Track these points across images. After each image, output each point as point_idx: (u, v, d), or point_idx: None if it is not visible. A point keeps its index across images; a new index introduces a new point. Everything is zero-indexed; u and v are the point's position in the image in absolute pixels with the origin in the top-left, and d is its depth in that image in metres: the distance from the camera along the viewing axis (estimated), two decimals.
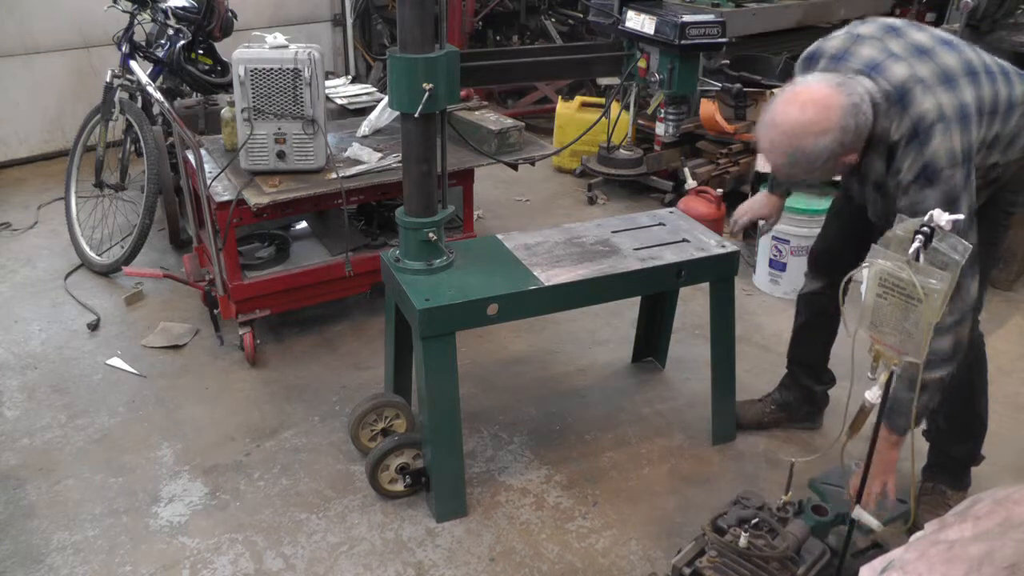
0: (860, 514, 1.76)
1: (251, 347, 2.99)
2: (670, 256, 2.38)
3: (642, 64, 2.25)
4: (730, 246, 2.45)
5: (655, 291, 2.50)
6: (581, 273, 2.26)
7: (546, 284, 2.20)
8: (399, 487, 2.36)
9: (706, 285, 2.51)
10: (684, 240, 2.48)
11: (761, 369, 3.03)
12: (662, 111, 2.47)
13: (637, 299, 2.93)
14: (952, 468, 2.38)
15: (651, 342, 3.03)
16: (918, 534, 1.06)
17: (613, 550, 2.23)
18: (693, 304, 3.47)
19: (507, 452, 2.59)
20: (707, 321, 3.32)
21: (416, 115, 2.02)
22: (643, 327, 3.02)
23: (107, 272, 3.68)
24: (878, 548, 1.89)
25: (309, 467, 2.53)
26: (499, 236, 2.48)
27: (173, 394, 2.88)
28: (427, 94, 1.98)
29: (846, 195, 2.31)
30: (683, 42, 2.12)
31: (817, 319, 2.54)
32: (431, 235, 2.19)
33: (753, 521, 1.75)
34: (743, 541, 1.69)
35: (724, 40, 2.21)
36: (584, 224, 2.62)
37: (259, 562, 2.19)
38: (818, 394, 2.67)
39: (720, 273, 2.46)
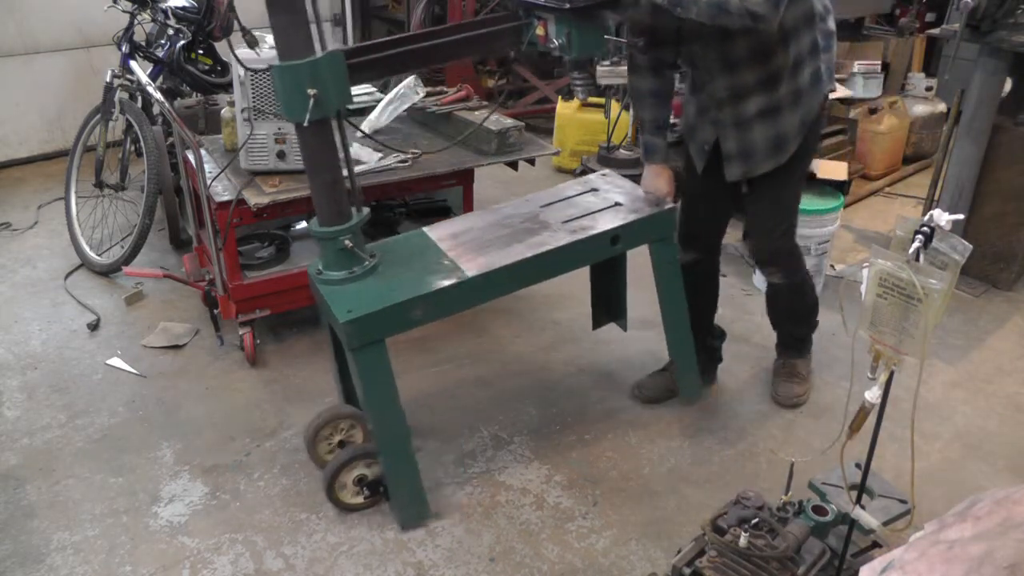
0: (860, 514, 1.76)
1: (251, 347, 2.99)
2: (603, 224, 2.30)
3: (540, 32, 2.14)
4: (664, 204, 2.39)
5: (593, 262, 2.43)
6: (508, 257, 2.17)
7: (471, 275, 2.12)
8: (359, 499, 2.31)
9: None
10: (617, 204, 2.41)
11: (761, 368, 3.03)
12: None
13: (637, 297, 2.93)
14: (796, 344, 2.87)
15: (610, 308, 2.96)
16: (918, 534, 1.06)
17: (613, 550, 2.23)
18: None
19: (507, 452, 2.59)
20: None
21: (304, 123, 1.91)
22: (598, 294, 2.95)
23: (107, 272, 3.68)
24: (878, 548, 1.89)
25: (309, 467, 2.52)
26: (425, 229, 2.39)
27: (173, 394, 2.88)
28: (312, 100, 1.89)
29: (702, 183, 2.55)
30: (572, 3, 2.00)
31: (702, 282, 2.74)
32: (347, 242, 2.09)
33: (753, 521, 1.75)
34: (743, 541, 1.69)
35: None
36: (513, 202, 2.53)
37: (259, 562, 2.19)
38: (716, 349, 2.91)
39: (658, 233, 2.39)
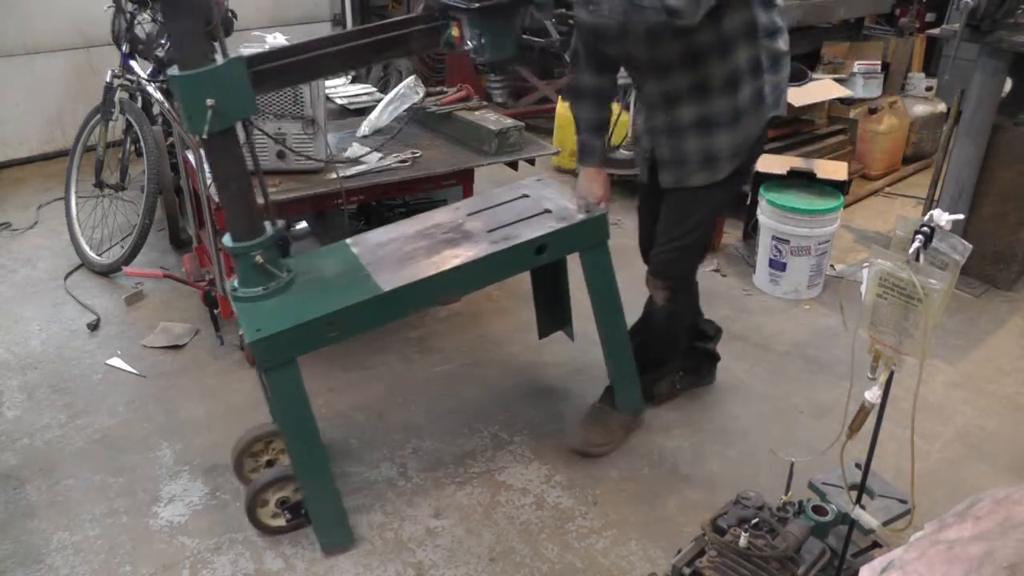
0: (860, 514, 1.76)
1: None
2: (529, 232, 2.20)
3: (455, 33, 2.06)
4: (596, 210, 2.29)
5: (517, 272, 2.32)
6: (424, 271, 2.09)
7: (385, 290, 2.03)
8: (280, 522, 2.25)
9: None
10: (546, 211, 2.30)
11: (761, 368, 3.03)
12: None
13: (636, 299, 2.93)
14: (622, 395, 2.60)
15: (555, 315, 2.85)
16: (918, 534, 1.06)
17: (613, 550, 2.23)
18: None
19: (507, 452, 2.59)
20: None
21: (204, 135, 1.84)
22: (541, 302, 2.85)
23: (107, 272, 3.68)
24: (878, 548, 1.89)
25: None
26: (348, 241, 2.32)
27: (173, 394, 2.88)
28: (210, 111, 1.80)
29: (647, 188, 2.47)
30: (477, 4, 1.93)
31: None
32: (258, 258, 2.00)
33: (753, 521, 1.75)
34: (743, 541, 1.69)
35: None
36: (441, 210, 2.46)
37: (259, 562, 2.19)
38: (712, 350, 2.84)
39: (588, 241, 2.28)
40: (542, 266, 2.38)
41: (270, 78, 1.97)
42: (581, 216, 2.26)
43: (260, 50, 1.99)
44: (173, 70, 1.83)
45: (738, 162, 2.25)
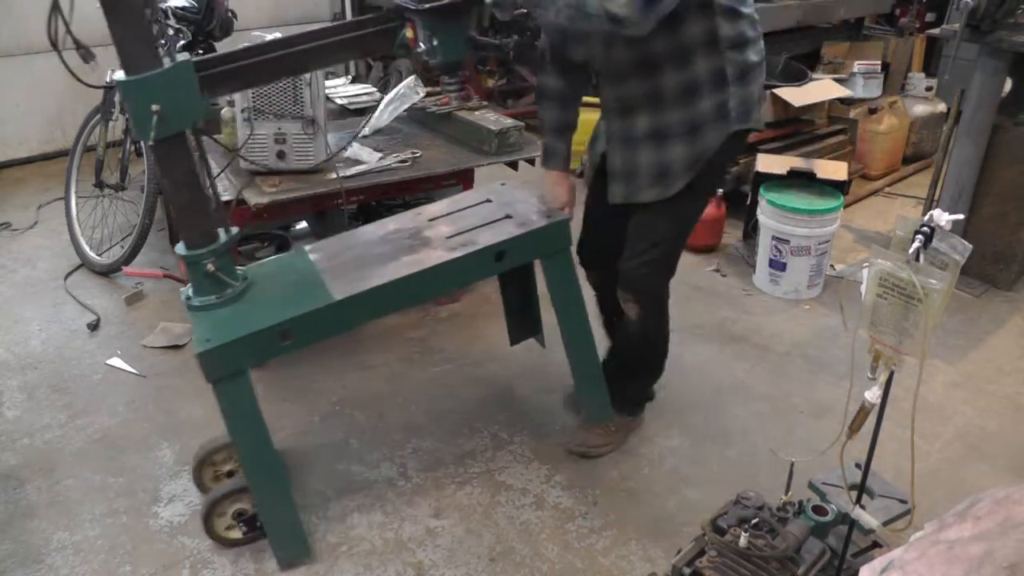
0: (860, 514, 1.76)
1: None
2: (487, 238, 2.13)
3: (410, 34, 2.01)
4: (557, 216, 2.22)
5: (476, 279, 2.26)
6: (379, 278, 2.04)
7: (337, 299, 1.98)
8: (237, 534, 2.21)
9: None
10: (507, 217, 2.24)
11: (761, 368, 3.03)
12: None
13: None
14: (620, 399, 2.56)
15: (525, 323, 2.80)
16: (918, 534, 1.06)
17: (613, 550, 2.23)
18: (692, 304, 3.47)
19: (507, 452, 2.59)
20: (707, 321, 3.35)
21: (150, 142, 1.79)
22: (511, 308, 2.79)
23: (107, 272, 3.68)
24: (878, 548, 1.89)
25: (309, 467, 2.53)
26: (306, 247, 2.27)
27: (173, 394, 2.88)
28: (155, 117, 1.75)
29: (593, 195, 2.42)
30: (427, 4, 1.89)
31: (609, 303, 2.55)
32: (210, 266, 1.96)
33: (753, 521, 1.75)
34: (743, 541, 1.69)
35: None
36: (403, 215, 2.42)
37: (259, 562, 2.19)
38: None
39: (548, 248, 2.20)
40: (510, 272, 2.33)
41: (221, 82, 1.91)
42: (541, 222, 2.19)
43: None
44: (119, 74, 1.78)
45: (692, 176, 2.16)
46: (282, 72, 2.07)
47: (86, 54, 1.87)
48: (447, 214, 2.32)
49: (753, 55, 2.11)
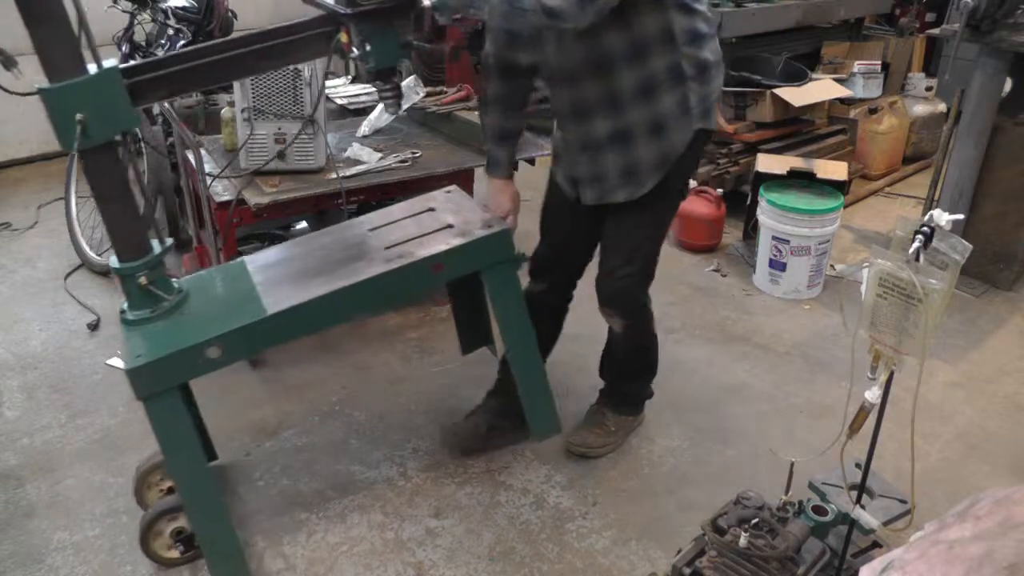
0: (860, 514, 1.76)
1: None
2: (426, 249, 2.05)
3: (344, 39, 1.94)
4: (498, 226, 2.12)
5: (417, 292, 2.14)
6: (312, 292, 1.95)
7: (269, 313, 1.90)
8: (175, 554, 2.16)
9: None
10: (448, 227, 2.16)
11: (761, 368, 3.03)
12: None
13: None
14: (618, 398, 2.61)
15: (477, 331, 2.72)
16: (918, 534, 1.06)
17: (613, 550, 2.23)
18: (692, 304, 3.47)
19: (507, 452, 2.59)
20: (707, 321, 3.35)
21: (74, 152, 1.71)
22: (460, 317, 2.72)
23: (107, 272, 3.67)
24: (878, 548, 1.89)
25: (309, 467, 2.53)
26: (245, 258, 2.20)
27: None
28: (79, 126, 1.68)
29: (558, 193, 2.35)
30: (354, 9, 1.83)
31: (546, 318, 2.47)
32: (143, 279, 1.89)
33: (753, 521, 1.75)
34: (743, 541, 1.69)
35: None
36: (342, 224, 2.35)
37: (259, 562, 2.19)
38: None
39: (489, 259, 2.11)
40: (458, 281, 2.23)
41: (151, 90, 1.84)
42: (483, 232, 2.10)
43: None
44: (43, 82, 1.71)
45: (661, 174, 2.12)
46: (215, 79, 2.00)
47: (6, 60, 1.82)
48: (388, 223, 2.25)
49: (709, 54, 2.07)
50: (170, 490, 2.28)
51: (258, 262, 2.17)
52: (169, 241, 1.99)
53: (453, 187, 2.45)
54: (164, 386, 1.84)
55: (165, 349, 1.83)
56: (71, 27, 1.68)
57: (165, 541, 2.16)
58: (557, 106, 2.18)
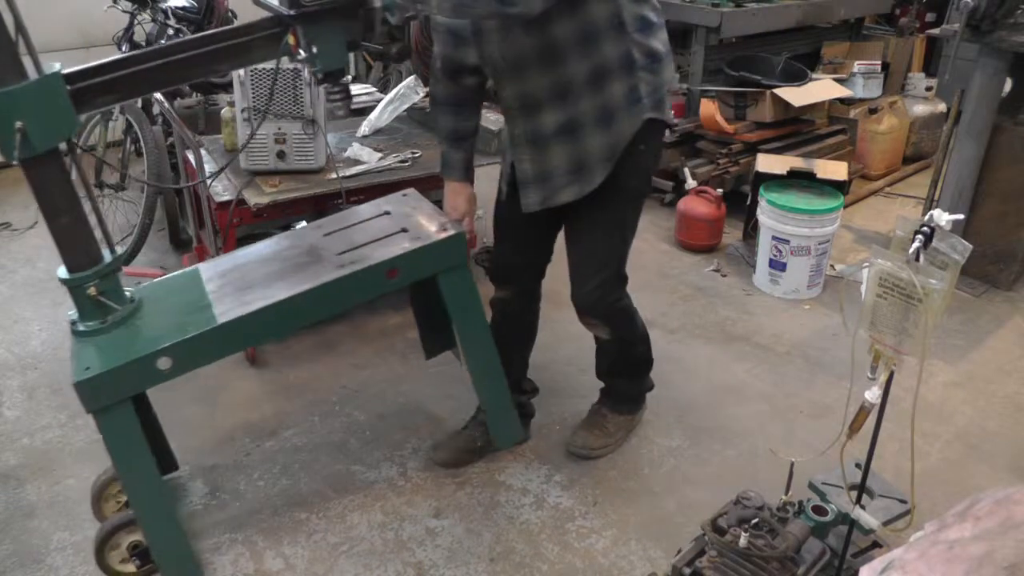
0: (860, 514, 1.76)
1: (251, 347, 2.99)
2: (380, 254, 2.03)
3: (292, 41, 1.90)
4: (452, 229, 2.10)
5: (369, 297, 2.12)
6: (264, 299, 1.92)
7: (219, 322, 1.87)
8: (130, 568, 2.12)
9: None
10: (402, 231, 2.13)
11: (761, 368, 3.03)
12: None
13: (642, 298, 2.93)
14: (618, 397, 2.62)
15: (439, 335, 2.63)
16: (918, 534, 1.06)
17: (613, 550, 2.23)
18: (692, 304, 3.47)
19: (507, 452, 2.59)
20: (707, 321, 3.35)
21: (14, 161, 1.66)
22: (422, 321, 2.66)
23: None
24: (878, 548, 1.89)
25: (309, 467, 2.53)
26: (200, 265, 2.18)
27: (172, 394, 2.87)
28: (19, 135, 1.62)
29: (508, 201, 2.28)
30: (297, 10, 1.79)
31: (510, 326, 2.46)
32: (92, 290, 1.85)
33: (753, 521, 1.75)
34: (743, 541, 1.69)
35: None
36: (300, 229, 2.34)
37: (259, 562, 2.19)
38: (524, 405, 2.61)
39: (443, 263, 2.09)
40: (418, 284, 2.23)
41: (95, 95, 1.78)
42: (437, 236, 2.07)
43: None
44: None
45: (610, 167, 2.07)
46: (162, 83, 1.97)
47: None
48: (343, 228, 2.22)
49: (659, 44, 2.05)
50: (127, 503, 2.23)
51: (212, 269, 2.14)
52: (120, 250, 1.95)
53: (411, 190, 2.41)
54: (114, 398, 1.81)
55: (115, 361, 1.79)
56: (7, 32, 1.62)
57: (121, 554, 2.12)
58: (504, 101, 2.12)
